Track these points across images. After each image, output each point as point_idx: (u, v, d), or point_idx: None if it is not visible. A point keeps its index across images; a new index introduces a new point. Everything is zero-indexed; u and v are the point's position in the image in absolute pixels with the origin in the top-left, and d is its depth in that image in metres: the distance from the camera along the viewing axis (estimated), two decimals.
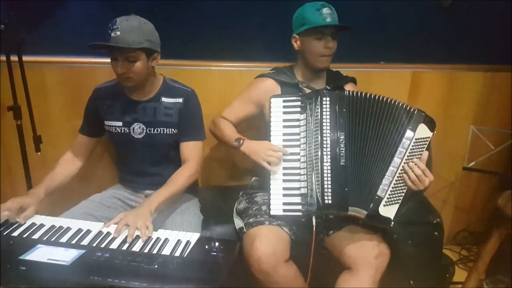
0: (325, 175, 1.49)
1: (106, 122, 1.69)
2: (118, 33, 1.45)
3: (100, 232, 1.38)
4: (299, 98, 1.64)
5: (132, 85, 1.58)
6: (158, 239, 1.35)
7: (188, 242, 1.33)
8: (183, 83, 1.73)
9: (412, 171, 1.46)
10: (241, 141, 1.67)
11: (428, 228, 1.83)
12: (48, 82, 1.98)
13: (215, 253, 1.27)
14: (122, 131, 1.67)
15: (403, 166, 1.48)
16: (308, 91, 1.72)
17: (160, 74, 1.72)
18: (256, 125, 1.96)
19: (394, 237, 1.74)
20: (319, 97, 1.56)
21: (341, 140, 1.52)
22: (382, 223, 1.49)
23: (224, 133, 1.75)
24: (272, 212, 1.58)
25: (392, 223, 1.48)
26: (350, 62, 2.12)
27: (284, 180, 1.60)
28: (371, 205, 1.48)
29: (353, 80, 1.87)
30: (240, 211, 1.76)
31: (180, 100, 1.66)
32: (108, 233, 1.38)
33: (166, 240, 1.35)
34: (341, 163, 1.50)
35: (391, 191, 1.48)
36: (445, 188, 2.50)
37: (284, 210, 1.58)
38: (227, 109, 1.83)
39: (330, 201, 1.48)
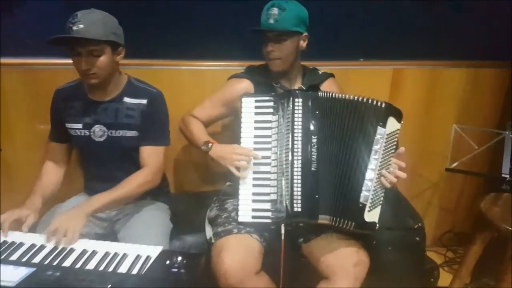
0: (294, 181, 1.40)
1: (67, 125, 1.59)
2: (81, 26, 1.36)
3: (55, 248, 1.28)
4: (271, 98, 1.54)
5: (96, 82, 1.47)
6: (115, 254, 1.25)
7: (148, 258, 1.24)
8: (150, 84, 1.63)
9: (389, 173, 1.40)
10: (210, 145, 1.57)
11: (409, 234, 1.76)
12: (7, 85, 1.85)
13: (176, 270, 1.18)
14: (83, 134, 1.57)
15: (379, 168, 1.40)
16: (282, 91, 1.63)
17: (125, 73, 1.62)
18: (230, 127, 1.86)
19: (373, 244, 1.67)
20: (291, 98, 1.46)
21: (313, 144, 1.42)
22: (368, 230, 1.42)
23: (193, 133, 1.66)
24: (240, 219, 1.49)
25: (377, 225, 1.41)
26: (326, 60, 2.03)
27: (254, 185, 1.51)
28: (357, 214, 1.39)
29: (331, 76, 1.78)
30: (211, 219, 1.67)
31: (144, 101, 1.56)
32: (64, 248, 1.28)
33: (124, 255, 1.25)
34: (312, 169, 1.41)
35: (372, 195, 1.40)
36: (429, 188, 2.43)
37: (253, 217, 1.49)
38: (199, 108, 1.73)
39: (299, 209, 1.38)
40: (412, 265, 1.80)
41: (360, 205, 1.39)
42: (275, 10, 1.51)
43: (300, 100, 1.45)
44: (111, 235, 1.61)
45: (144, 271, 1.19)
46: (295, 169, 1.40)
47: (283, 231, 1.42)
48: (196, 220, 1.76)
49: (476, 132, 2.01)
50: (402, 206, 1.91)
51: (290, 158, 1.41)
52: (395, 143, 1.43)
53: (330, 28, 1.65)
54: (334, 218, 1.40)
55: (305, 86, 1.64)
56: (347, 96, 1.46)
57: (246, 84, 1.67)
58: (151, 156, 1.58)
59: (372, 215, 1.40)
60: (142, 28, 1.89)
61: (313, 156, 1.42)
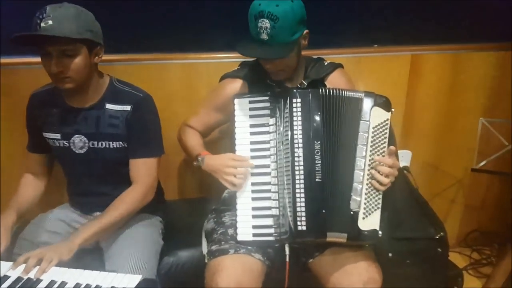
0: (297, 195, 1.22)
1: (44, 134, 1.43)
2: (50, 22, 1.18)
3: (19, 278, 1.13)
4: (267, 98, 1.35)
5: (71, 88, 1.30)
6: (87, 286, 1.10)
7: None
8: (135, 86, 1.44)
9: (379, 173, 1.23)
10: (200, 158, 1.40)
11: (430, 244, 1.55)
12: None
13: None
14: (62, 145, 1.41)
15: (369, 168, 1.24)
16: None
17: (107, 74, 1.44)
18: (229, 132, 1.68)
19: (389, 256, 1.48)
20: (288, 98, 1.27)
21: (316, 151, 1.23)
22: (368, 240, 1.25)
23: (187, 146, 1.49)
24: (239, 238, 1.32)
25: (380, 233, 1.23)
26: (337, 47, 1.82)
27: (254, 199, 1.33)
28: (349, 224, 1.22)
29: (339, 66, 1.54)
30: (207, 233, 1.50)
31: (128, 107, 1.38)
32: (29, 279, 1.12)
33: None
34: (316, 180, 1.22)
35: (366, 199, 1.23)
36: (453, 186, 2.20)
37: (254, 235, 1.31)
38: (194, 116, 1.55)
39: (304, 227, 1.21)
40: (432, 278, 1.61)
41: (352, 212, 1.23)
42: (266, 23, 1.23)
43: (299, 100, 1.26)
44: (96, 252, 1.45)
45: None
46: (297, 182, 1.22)
47: (287, 251, 1.26)
48: (194, 230, 1.59)
49: (506, 126, 1.77)
50: (421, 211, 1.70)
51: (291, 168, 1.23)
52: (385, 135, 1.26)
53: (339, 12, 1.43)
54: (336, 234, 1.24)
55: (308, 81, 1.43)
56: (344, 92, 1.29)
57: (239, 84, 1.47)
58: (141, 170, 1.41)
59: (369, 223, 1.23)
60: (125, 17, 1.69)
61: (317, 165, 1.23)
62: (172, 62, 1.78)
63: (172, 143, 1.57)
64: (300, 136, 1.24)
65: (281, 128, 1.28)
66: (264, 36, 1.24)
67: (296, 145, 1.23)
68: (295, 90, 1.29)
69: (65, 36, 1.19)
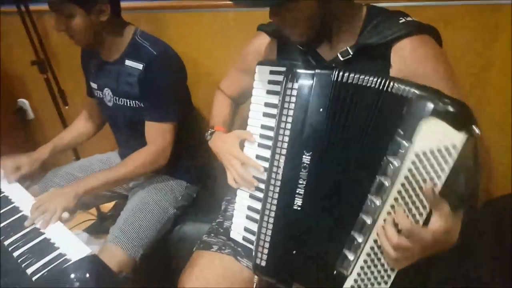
0: (265, 218, 0.88)
1: (90, 82, 1.44)
2: None
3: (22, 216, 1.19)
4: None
5: (82, 46, 1.26)
6: (44, 240, 1.08)
7: (64, 260, 1.01)
8: (156, 40, 1.27)
9: (387, 236, 0.72)
10: (210, 131, 1.16)
11: None
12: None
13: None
14: (98, 95, 1.40)
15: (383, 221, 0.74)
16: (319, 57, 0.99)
17: (133, 25, 1.30)
18: None
19: None
20: (285, 80, 0.87)
21: (303, 166, 0.84)
22: None
23: (211, 114, 1.26)
24: (231, 235, 1.06)
25: None
26: None
27: (251, 196, 1.02)
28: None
29: (424, 32, 0.92)
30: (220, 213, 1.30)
31: (140, 66, 1.24)
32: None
33: (52, 247, 1.05)
34: (294, 206, 0.85)
35: (364, 264, 0.78)
36: None
37: (244, 238, 1.04)
38: (225, 78, 1.29)
39: (263, 263, 0.89)
40: None
41: (335, 272, 0.81)
42: None
43: (296, 86, 0.84)
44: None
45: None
46: (268, 200, 0.88)
47: (254, 284, 0.96)
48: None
49: None
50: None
51: (266, 180, 0.89)
52: (439, 174, 0.67)
53: None
54: None
55: (357, 48, 0.93)
56: (378, 80, 0.76)
57: (265, 41, 1.09)
58: (154, 133, 1.30)
59: None
60: None
61: (300, 186, 0.84)
62: (195, 11, 1.49)
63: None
64: (286, 139, 0.86)
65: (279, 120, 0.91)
66: None
67: (277, 150, 0.86)
68: (297, 69, 0.86)
69: None
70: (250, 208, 1.01)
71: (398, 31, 0.88)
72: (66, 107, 1.78)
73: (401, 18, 0.91)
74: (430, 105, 0.67)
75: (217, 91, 1.30)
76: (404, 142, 0.70)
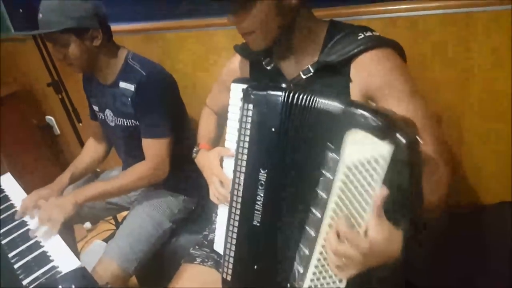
0: (229, 234, 0.92)
1: (92, 106, 1.54)
2: (41, 15, 1.23)
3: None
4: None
5: (79, 72, 1.35)
6: (42, 254, 1.15)
7: (56, 272, 1.07)
8: (146, 62, 1.34)
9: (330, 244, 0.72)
10: (196, 149, 1.21)
11: None
12: None
13: None
14: (100, 117, 1.49)
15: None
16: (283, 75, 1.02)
17: (124, 48, 1.38)
18: None
19: None
20: (245, 99, 0.90)
21: (260, 183, 0.86)
22: None
23: (198, 130, 1.31)
24: (215, 247, 1.11)
25: None
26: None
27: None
28: None
29: (384, 46, 0.90)
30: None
31: (132, 87, 1.31)
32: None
33: (47, 259, 1.12)
34: (254, 222, 0.88)
35: (312, 276, 0.79)
36: None
37: None
38: (209, 95, 1.33)
39: (229, 277, 0.92)
40: None
41: (288, 286, 0.83)
42: None
43: (250, 107, 0.88)
44: None
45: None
46: (232, 216, 0.92)
47: None
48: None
49: None
50: None
51: (230, 197, 0.92)
52: (370, 184, 0.67)
53: None
54: None
55: (317, 66, 0.96)
56: (320, 100, 0.78)
57: (239, 62, 1.13)
58: (150, 149, 1.36)
59: None
60: None
61: (258, 203, 0.87)
62: (187, 32, 1.55)
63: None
64: (245, 158, 0.89)
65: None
66: None
67: (238, 168, 0.90)
68: (250, 90, 0.89)
69: (44, 31, 1.22)
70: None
71: (357, 47, 0.89)
72: (80, 124, 1.91)
73: (361, 33, 0.92)
74: (354, 118, 0.69)
75: (204, 108, 1.35)
76: (334, 155, 0.72)
